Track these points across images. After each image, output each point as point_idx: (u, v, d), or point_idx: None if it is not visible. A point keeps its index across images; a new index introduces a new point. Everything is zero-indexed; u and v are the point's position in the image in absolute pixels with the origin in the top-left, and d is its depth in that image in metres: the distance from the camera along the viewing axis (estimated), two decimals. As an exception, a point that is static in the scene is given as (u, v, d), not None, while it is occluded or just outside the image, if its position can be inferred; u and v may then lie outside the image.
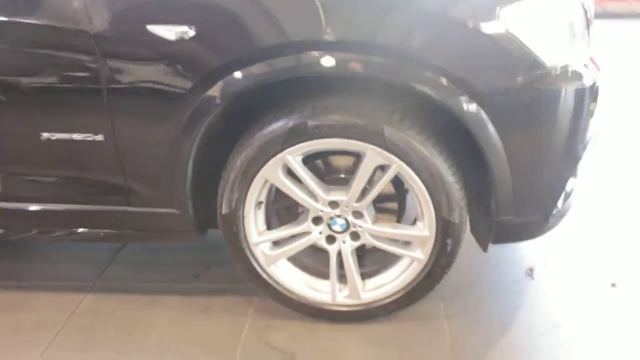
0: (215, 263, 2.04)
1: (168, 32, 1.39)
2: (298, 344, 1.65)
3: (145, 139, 1.54)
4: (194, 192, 1.61)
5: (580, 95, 1.44)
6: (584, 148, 1.55)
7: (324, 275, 1.73)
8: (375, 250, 1.67)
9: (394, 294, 1.66)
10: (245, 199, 1.57)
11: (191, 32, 1.38)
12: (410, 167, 1.46)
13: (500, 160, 1.45)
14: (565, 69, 1.42)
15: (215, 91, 1.43)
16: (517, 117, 1.43)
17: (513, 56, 1.37)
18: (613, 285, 1.86)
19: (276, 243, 1.67)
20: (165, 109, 1.48)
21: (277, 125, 1.46)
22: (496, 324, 1.71)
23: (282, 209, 1.72)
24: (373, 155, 1.46)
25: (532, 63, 1.38)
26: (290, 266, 1.72)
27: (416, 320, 1.72)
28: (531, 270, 1.93)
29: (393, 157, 1.45)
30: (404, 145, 1.44)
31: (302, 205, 1.65)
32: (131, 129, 1.53)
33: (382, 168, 1.52)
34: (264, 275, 1.68)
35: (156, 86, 1.45)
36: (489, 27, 1.35)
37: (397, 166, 1.46)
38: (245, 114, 1.55)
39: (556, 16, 1.41)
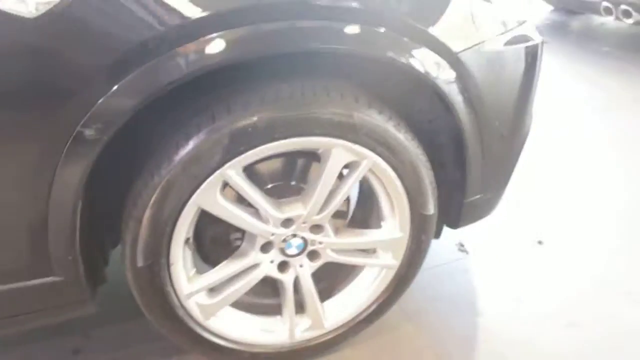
0: (96, 325, 1.50)
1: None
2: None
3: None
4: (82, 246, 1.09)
5: (535, 51, 1.32)
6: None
7: (267, 310, 1.37)
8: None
9: (363, 311, 1.39)
10: (170, 240, 1.11)
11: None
12: (385, 161, 1.18)
13: (474, 134, 1.26)
14: (523, 27, 1.28)
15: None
16: (488, 80, 1.24)
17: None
18: (540, 242, 1.88)
19: (212, 288, 1.25)
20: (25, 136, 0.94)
21: (209, 136, 1.03)
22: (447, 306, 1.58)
23: (207, 242, 1.28)
24: (341, 153, 1.14)
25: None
26: (233, 311, 1.31)
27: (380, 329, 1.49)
28: (462, 245, 1.84)
29: (366, 151, 1.15)
30: (378, 136, 1.15)
31: (235, 233, 1.26)
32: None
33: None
34: (203, 334, 1.25)
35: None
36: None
37: (369, 162, 1.17)
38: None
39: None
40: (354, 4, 1.03)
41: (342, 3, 1.02)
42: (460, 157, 1.29)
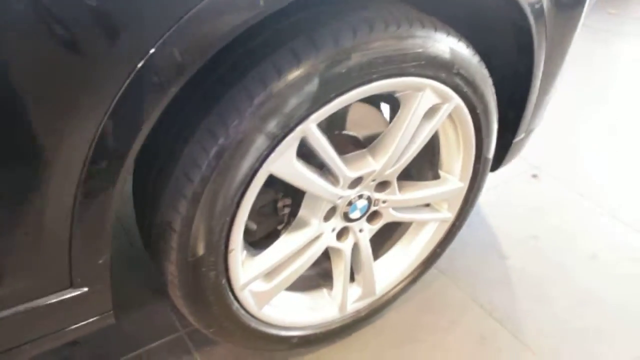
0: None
1: None
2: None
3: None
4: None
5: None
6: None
7: (308, 283, 1.18)
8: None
9: (411, 273, 1.25)
10: (233, 221, 0.86)
11: None
12: (466, 102, 1.01)
13: (541, 66, 1.13)
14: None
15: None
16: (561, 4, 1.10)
17: None
18: (534, 176, 1.86)
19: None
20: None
21: (295, 76, 0.77)
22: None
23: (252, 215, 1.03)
24: (429, 95, 0.94)
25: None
26: (285, 294, 1.09)
27: (416, 289, 1.37)
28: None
29: (452, 92, 0.97)
30: (468, 74, 0.96)
31: (283, 200, 1.02)
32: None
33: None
34: (256, 325, 1.03)
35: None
36: None
37: (452, 104, 0.99)
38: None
39: None
40: None
41: None
42: (522, 94, 1.16)
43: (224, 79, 0.79)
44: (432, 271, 1.41)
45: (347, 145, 1.02)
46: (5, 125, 0.61)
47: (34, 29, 0.57)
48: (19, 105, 0.61)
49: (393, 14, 0.85)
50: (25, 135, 0.63)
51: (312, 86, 0.79)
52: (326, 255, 1.13)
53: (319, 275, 1.20)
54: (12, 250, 0.71)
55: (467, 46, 0.96)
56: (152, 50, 0.63)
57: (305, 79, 0.78)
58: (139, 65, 0.63)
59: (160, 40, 0.63)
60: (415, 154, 1.03)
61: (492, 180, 1.79)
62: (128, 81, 0.63)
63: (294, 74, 0.77)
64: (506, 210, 1.70)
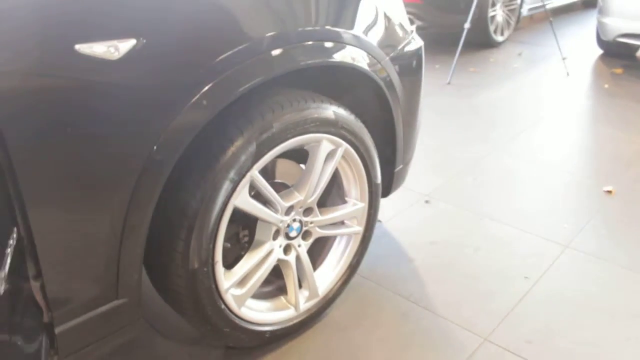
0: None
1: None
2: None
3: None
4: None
5: (421, 51, 1.87)
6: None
7: (271, 295, 1.68)
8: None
9: (342, 275, 1.78)
10: (216, 241, 1.36)
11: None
12: (352, 146, 1.60)
13: (400, 116, 1.76)
14: (413, 34, 1.83)
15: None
16: (403, 74, 1.75)
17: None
18: (427, 202, 2.48)
19: (239, 282, 1.51)
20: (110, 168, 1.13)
21: (242, 142, 1.33)
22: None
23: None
24: (326, 144, 1.53)
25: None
26: (252, 301, 1.58)
27: (349, 293, 1.89)
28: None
29: (341, 140, 1.56)
30: (348, 127, 1.56)
31: (243, 231, 1.55)
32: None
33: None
34: (238, 322, 1.51)
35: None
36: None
37: (343, 148, 1.58)
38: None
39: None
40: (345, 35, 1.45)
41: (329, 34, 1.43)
42: (391, 135, 1.78)
43: (200, 153, 1.32)
44: (359, 278, 1.94)
45: (279, 187, 1.57)
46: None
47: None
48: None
49: (295, 96, 1.44)
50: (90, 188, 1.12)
51: (252, 147, 1.34)
52: (280, 275, 1.64)
53: (277, 289, 1.69)
54: (84, 270, 1.17)
55: (346, 109, 1.57)
56: (155, 147, 1.15)
57: (247, 143, 1.33)
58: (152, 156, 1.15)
59: (158, 143, 1.16)
60: (325, 186, 1.59)
61: (395, 209, 2.40)
62: (146, 162, 1.15)
63: (241, 141, 1.33)
64: (409, 228, 2.28)
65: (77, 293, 1.19)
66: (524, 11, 5.47)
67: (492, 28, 5.06)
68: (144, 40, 1.09)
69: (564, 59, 4.51)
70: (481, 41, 5.04)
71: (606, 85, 4.10)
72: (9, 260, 0.97)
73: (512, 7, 5.29)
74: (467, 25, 4.20)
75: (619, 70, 4.39)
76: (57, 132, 1.03)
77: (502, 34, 5.24)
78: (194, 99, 1.18)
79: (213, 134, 1.32)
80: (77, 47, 1.01)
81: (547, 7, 4.89)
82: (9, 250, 0.98)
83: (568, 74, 4.32)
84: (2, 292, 0.92)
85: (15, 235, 1.03)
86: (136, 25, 1.09)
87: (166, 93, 1.15)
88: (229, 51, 1.22)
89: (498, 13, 5.12)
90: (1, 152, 0.97)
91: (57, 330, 1.17)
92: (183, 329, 1.71)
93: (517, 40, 5.40)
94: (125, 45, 1.07)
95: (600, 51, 4.79)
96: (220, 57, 1.21)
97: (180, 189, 1.31)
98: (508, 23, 5.31)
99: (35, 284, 1.13)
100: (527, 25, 5.97)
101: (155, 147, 1.16)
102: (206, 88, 1.20)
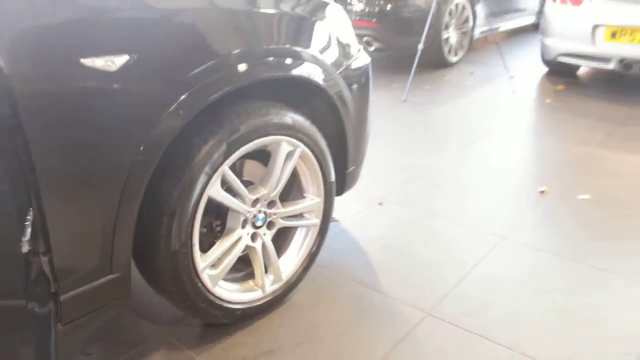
0: (99, 333, 1.84)
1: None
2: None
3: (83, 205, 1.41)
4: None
5: (368, 68, 2.21)
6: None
7: (241, 279, 1.95)
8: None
9: (302, 262, 2.06)
10: (193, 226, 1.64)
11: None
12: (308, 147, 1.91)
13: (350, 124, 2.08)
14: (360, 52, 2.17)
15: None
16: (352, 87, 2.08)
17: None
18: (380, 204, 2.80)
19: (213, 264, 1.78)
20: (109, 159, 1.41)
21: (214, 142, 1.62)
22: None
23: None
24: (285, 145, 1.83)
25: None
26: (225, 283, 1.85)
27: (308, 280, 2.18)
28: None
29: (298, 142, 1.86)
30: (304, 131, 1.87)
31: (215, 221, 1.83)
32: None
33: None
34: (214, 299, 1.77)
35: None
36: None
37: (300, 149, 1.88)
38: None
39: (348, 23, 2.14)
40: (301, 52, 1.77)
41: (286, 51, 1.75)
42: (342, 140, 2.09)
43: (179, 151, 1.61)
44: (319, 268, 2.23)
45: (246, 184, 1.86)
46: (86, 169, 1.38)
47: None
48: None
49: (259, 104, 1.74)
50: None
51: (223, 146, 1.63)
52: (249, 263, 1.92)
53: (246, 275, 1.97)
54: (85, 248, 1.44)
55: (302, 116, 1.87)
56: (142, 147, 1.44)
57: (219, 143, 1.62)
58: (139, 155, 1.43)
59: (144, 144, 1.44)
60: (285, 182, 1.89)
61: (351, 210, 2.70)
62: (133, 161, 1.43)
63: (213, 141, 1.61)
64: (364, 226, 2.59)
65: (79, 267, 1.45)
66: (476, 34, 5.92)
67: (445, 49, 5.48)
68: (135, 56, 1.38)
69: (511, 77, 4.94)
70: (436, 61, 5.46)
71: (548, 100, 4.53)
72: (29, 230, 1.24)
73: (465, 29, 5.74)
74: (420, 47, 4.60)
75: (560, 87, 4.84)
76: (66, 131, 1.31)
77: (455, 54, 5.67)
78: (172, 108, 1.47)
79: (190, 134, 1.61)
80: (82, 60, 1.30)
81: (499, 30, 5.34)
82: (27, 223, 1.26)
83: (514, 92, 4.75)
84: (26, 250, 1.19)
85: (31, 215, 1.30)
86: (128, 43, 1.38)
87: (150, 102, 1.44)
88: (201, 66, 1.52)
89: (451, 35, 5.55)
90: (23, 147, 1.24)
91: (62, 298, 1.43)
92: (163, 313, 1.97)
93: (470, 60, 5.84)
94: (120, 60, 1.36)
95: (545, 69, 5.25)
96: (194, 72, 1.51)
97: (163, 181, 1.59)
98: (461, 45, 5.75)
99: (44, 258, 1.39)
100: (481, 46, 6.44)
101: (141, 148, 1.44)
102: (182, 98, 1.49)
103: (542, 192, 2.94)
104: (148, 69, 1.42)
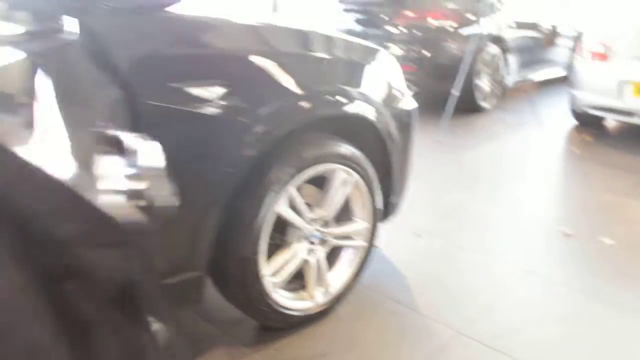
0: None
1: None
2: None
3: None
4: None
5: (414, 110, 2.50)
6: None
7: (295, 289, 2.22)
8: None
9: (349, 280, 2.32)
10: (261, 236, 1.92)
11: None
12: (361, 176, 2.19)
13: (395, 158, 2.36)
14: (410, 97, 2.47)
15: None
16: (399, 127, 2.37)
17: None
18: (416, 235, 3.05)
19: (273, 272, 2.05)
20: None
21: (283, 166, 1.91)
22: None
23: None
24: (341, 173, 2.12)
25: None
26: (283, 291, 2.12)
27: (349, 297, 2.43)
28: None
29: (352, 171, 2.15)
30: (358, 162, 2.16)
31: (275, 235, 2.11)
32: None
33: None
34: (272, 304, 2.04)
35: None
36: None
37: (354, 177, 2.16)
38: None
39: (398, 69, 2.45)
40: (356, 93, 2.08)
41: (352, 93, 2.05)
42: (388, 172, 2.37)
43: (255, 171, 1.90)
44: (360, 285, 2.48)
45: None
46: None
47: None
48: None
49: (320, 136, 2.04)
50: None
51: (290, 170, 1.92)
52: (303, 277, 2.19)
53: (300, 286, 2.23)
54: (178, 244, 1.71)
55: (356, 148, 2.16)
56: (230, 165, 1.74)
57: (287, 166, 1.91)
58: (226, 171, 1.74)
59: (233, 162, 1.74)
60: (339, 206, 2.17)
61: (390, 238, 2.96)
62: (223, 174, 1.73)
63: (283, 165, 1.91)
64: (401, 253, 2.83)
65: (169, 260, 1.73)
66: (508, 82, 6.22)
67: (478, 95, 5.78)
68: (231, 89, 1.70)
69: (542, 126, 5.20)
70: (468, 107, 5.75)
71: (576, 150, 4.77)
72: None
73: (497, 78, 6.04)
74: (455, 92, 4.91)
75: (588, 138, 5.08)
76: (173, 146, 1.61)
77: (487, 101, 5.97)
78: (258, 134, 1.78)
79: (264, 157, 1.90)
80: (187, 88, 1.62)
81: (530, 80, 5.63)
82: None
83: (544, 139, 5.00)
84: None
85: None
86: (227, 79, 1.70)
87: (241, 128, 1.75)
88: (276, 105, 1.83)
89: (484, 83, 5.86)
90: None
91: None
92: (221, 315, 2.23)
93: (503, 107, 6.13)
94: (219, 91, 1.68)
95: (574, 120, 5.50)
96: (276, 106, 1.82)
97: (239, 197, 1.88)
98: (493, 92, 6.04)
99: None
100: (514, 94, 6.71)
101: (230, 165, 1.74)
102: (260, 130, 1.79)
103: (569, 234, 3.16)
104: (242, 100, 1.73)
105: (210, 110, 1.67)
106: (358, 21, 5.93)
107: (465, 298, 2.49)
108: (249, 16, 1.93)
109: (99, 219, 0.74)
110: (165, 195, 0.85)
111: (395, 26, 5.57)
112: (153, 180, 0.84)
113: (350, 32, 5.26)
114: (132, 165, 0.84)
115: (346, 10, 6.11)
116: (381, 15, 5.72)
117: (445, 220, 3.29)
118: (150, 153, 0.87)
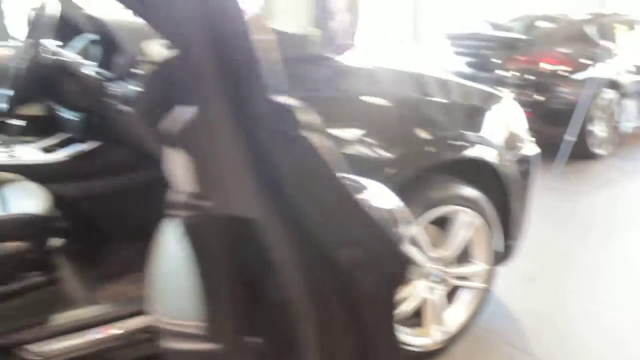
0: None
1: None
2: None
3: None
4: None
5: (535, 156, 2.56)
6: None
7: (409, 324, 2.31)
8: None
9: (466, 320, 2.38)
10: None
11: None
12: (482, 219, 2.27)
13: (515, 203, 2.42)
14: (531, 142, 2.54)
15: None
16: (520, 172, 2.43)
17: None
18: (530, 279, 3.06)
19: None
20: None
21: (411, 204, 2.04)
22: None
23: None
24: (464, 216, 2.21)
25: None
26: (403, 328, 2.22)
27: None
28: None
29: (475, 213, 2.24)
30: (481, 205, 2.24)
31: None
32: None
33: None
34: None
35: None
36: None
37: (477, 220, 2.25)
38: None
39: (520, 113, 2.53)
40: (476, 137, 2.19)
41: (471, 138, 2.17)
42: (506, 216, 2.43)
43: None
44: (476, 328, 2.53)
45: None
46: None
47: None
48: None
49: (445, 179, 2.15)
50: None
51: (417, 209, 2.05)
52: (418, 315, 2.28)
53: (417, 323, 2.32)
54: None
55: (480, 192, 2.25)
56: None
57: (414, 205, 2.04)
58: None
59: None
60: (461, 247, 2.25)
61: (506, 281, 2.97)
62: None
63: (411, 204, 2.03)
64: (516, 297, 2.84)
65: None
66: (627, 128, 6.00)
67: (592, 142, 5.61)
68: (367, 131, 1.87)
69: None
70: (581, 153, 5.59)
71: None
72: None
73: (614, 123, 5.85)
74: (569, 138, 4.83)
75: None
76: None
77: (603, 147, 5.77)
78: (391, 173, 1.93)
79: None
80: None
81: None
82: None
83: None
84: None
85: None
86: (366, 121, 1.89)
87: (369, 170, 1.91)
88: (407, 150, 1.98)
89: (598, 128, 5.68)
90: None
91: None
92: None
93: (619, 154, 5.91)
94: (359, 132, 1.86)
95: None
96: (401, 153, 1.97)
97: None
98: (609, 138, 5.84)
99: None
100: (633, 140, 6.43)
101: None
102: (392, 172, 1.94)
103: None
104: (376, 142, 1.89)
105: (349, 149, 1.84)
106: (469, 64, 6.01)
107: (581, 344, 2.46)
108: (385, 62, 2.11)
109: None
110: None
111: (507, 70, 5.58)
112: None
113: (460, 74, 5.36)
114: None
115: (457, 53, 6.21)
116: (492, 59, 5.76)
117: (557, 266, 3.25)
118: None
